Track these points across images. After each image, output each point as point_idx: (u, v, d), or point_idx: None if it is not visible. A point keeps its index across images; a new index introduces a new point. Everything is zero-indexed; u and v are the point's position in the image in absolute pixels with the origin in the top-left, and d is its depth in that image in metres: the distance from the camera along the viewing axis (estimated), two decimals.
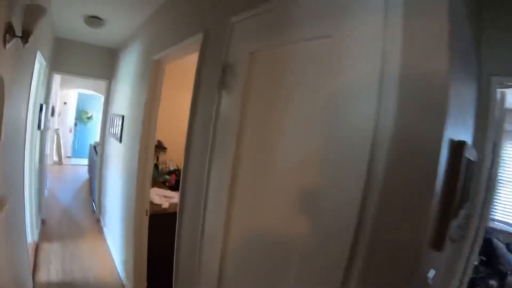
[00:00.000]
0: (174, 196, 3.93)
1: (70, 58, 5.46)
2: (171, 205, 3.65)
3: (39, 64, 4.17)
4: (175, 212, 3.63)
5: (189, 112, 1.97)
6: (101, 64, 5.63)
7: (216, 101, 1.62)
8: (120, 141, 4.05)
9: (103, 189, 5.55)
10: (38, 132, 4.72)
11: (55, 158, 10.06)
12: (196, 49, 2.08)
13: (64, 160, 10.26)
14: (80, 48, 5.51)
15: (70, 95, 11.02)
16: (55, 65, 5.32)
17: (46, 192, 6.75)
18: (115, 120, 4.56)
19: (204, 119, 1.82)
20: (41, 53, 3.72)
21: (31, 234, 4.62)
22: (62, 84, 9.97)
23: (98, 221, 5.79)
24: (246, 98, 1.41)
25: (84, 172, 9.34)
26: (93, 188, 7.27)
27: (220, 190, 1.53)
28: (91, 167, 8.10)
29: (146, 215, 3.21)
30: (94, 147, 8.31)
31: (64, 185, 7.94)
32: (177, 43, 2.39)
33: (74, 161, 10.72)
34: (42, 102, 4.69)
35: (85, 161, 10.05)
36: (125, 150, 3.82)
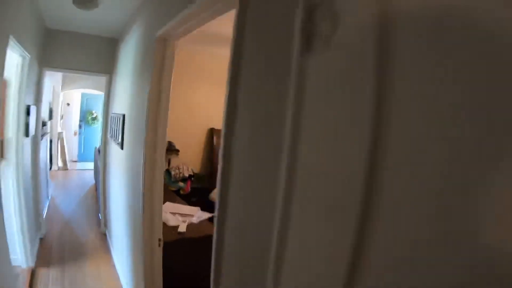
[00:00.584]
0: (193, 214, 3.11)
1: (64, 52, 4.64)
2: (190, 227, 2.82)
3: (21, 57, 3.37)
4: (197, 238, 2.82)
5: (225, 103, 1.12)
6: (99, 57, 4.80)
7: (294, 77, 0.76)
8: (122, 147, 3.22)
9: (107, 201, 4.75)
10: (28, 139, 3.92)
11: (60, 164, 9.30)
12: (228, 5, 1.24)
13: (69, 165, 9.49)
14: (75, 39, 4.68)
15: (73, 96, 10.24)
16: (47, 60, 4.51)
17: (47, 203, 5.99)
18: (115, 121, 3.74)
19: (261, 114, 0.97)
20: (18, 41, 2.91)
21: (25, 258, 3.88)
22: (64, 85, 9.19)
23: (104, 235, 5.00)
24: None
25: (90, 177, 8.57)
26: (98, 196, 6.50)
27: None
28: (96, 172, 7.34)
29: (159, 245, 2.38)
30: (99, 151, 7.52)
31: (68, 193, 7.16)
32: (194, 1, 1.52)
33: (80, 165, 9.96)
34: (31, 104, 3.89)
35: (92, 165, 9.28)
36: (127, 159, 2.99)
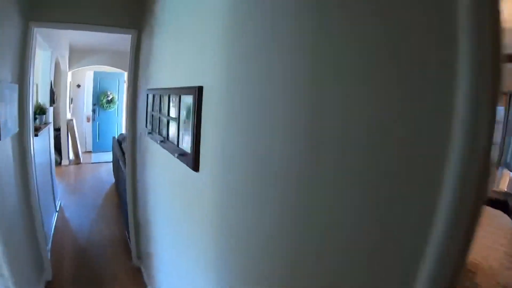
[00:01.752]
0: None
1: None
2: None
3: None
4: None
5: None
6: (120, 2, 2.99)
7: None
8: (196, 165, 1.40)
9: (147, 226, 3.03)
10: (6, 142, 2.19)
11: (71, 157, 7.61)
12: None
13: (82, 158, 7.78)
14: None
15: (84, 75, 8.46)
16: (36, 10, 2.73)
17: (54, 219, 4.31)
18: (163, 106, 1.94)
19: None
20: None
21: None
22: (72, 62, 7.40)
23: (138, 271, 3.34)
24: None
25: (108, 173, 6.87)
26: (123, 205, 4.81)
27: None
28: (116, 168, 5.66)
29: None
30: (119, 142, 5.81)
31: (82, 199, 5.45)
32: None
33: (96, 157, 8.22)
34: (8, 81, 2.15)
35: (109, 156, 7.60)
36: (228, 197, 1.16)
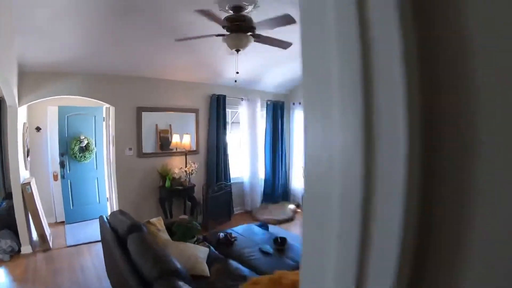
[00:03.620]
0: None
1: None
2: None
3: None
4: None
5: None
6: None
7: None
8: None
9: None
10: None
11: (35, 237, 4.76)
12: None
13: (53, 237, 4.93)
14: None
15: (44, 113, 5.68)
16: None
17: None
18: None
19: None
20: None
21: None
22: (24, 92, 4.69)
23: None
24: None
25: (97, 267, 4.11)
26: None
27: None
28: (112, 268, 2.96)
29: None
30: (113, 230, 3.08)
31: None
32: None
33: (72, 233, 5.28)
34: None
35: (91, 229, 4.88)
36: None
